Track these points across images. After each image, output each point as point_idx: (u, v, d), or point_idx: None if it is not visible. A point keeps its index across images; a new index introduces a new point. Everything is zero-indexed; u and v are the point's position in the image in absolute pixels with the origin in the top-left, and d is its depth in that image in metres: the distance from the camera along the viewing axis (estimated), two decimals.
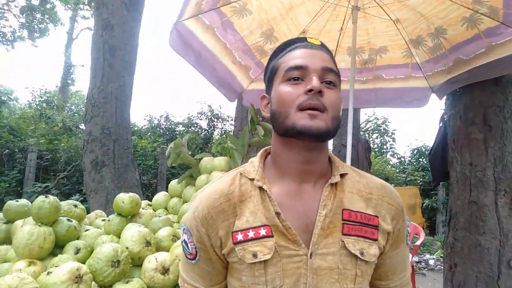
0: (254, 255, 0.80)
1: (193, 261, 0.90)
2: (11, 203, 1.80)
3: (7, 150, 6.74)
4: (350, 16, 2.38)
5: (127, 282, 1.40)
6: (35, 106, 11.52)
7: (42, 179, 6.90)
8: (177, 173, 7.70)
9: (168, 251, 1.58)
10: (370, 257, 0.83)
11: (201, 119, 10.69)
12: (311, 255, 0.80)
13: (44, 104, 11.11)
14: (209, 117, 10.66)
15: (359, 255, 0.81)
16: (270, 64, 0.95)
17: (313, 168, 0.86)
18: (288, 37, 2.56)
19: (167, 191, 2.19)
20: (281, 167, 0.88)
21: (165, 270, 1.45)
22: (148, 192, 7.37)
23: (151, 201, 2.21)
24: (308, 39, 0.91)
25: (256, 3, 2.28)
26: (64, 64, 17.51)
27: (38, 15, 15.09)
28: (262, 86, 2.82)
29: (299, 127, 0.79)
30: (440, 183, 4.57)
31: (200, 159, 2.00)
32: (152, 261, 1.46)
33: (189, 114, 11.03)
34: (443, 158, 2.65)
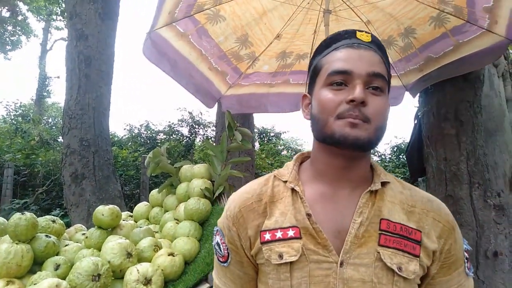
0: (280, 256, 0.77)
1: (225, 264, 0.88)
2: None
3: None
4: (323, 19, 2.42)
5: None
6: (10, 120, 11.23)
7: (20, 195, 6.71)
8: (159, 182, 7.62)
9: (150, 261, 1.57)
10: (409, 273, 0.74)
11: (182, 126, 10.63)
12: (341, 263, 0.75)
13: (20, 118, 10.85)
14: (190, 123, 10.61)
15: (396, 270, 0.74)
16: (313, 61, 0.88)
17: (352, 175, 0.82)
18: (263, 42, 2.58)
19: (149, 200, 2.17)
20: (318, 170, 0.84)
21: (147, 281, 1.44)
22: (131, 202, 7.27)
23: (133, 209, 2.18)
24: (358, 35, 0.82)
25: (230, 9, 2.30)
26: (39, 76, 17.16)
27: (10, 27, 14.76)
28: (240, 91, 2.83)
29: (338, 136, 0.74)
30: (418, 178, 4.67)
31: (180, 167, 1.99)
32: (133, 273, 1.44)
33: (169, 121, 10.94)
34: (419, 154, 2.71)
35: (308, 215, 0.78)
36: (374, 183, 0.81)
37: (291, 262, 0.76)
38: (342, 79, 0.77)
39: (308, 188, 0.83)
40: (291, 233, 0.78)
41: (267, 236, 0.79)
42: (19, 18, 14.71)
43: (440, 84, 2.39)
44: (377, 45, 0.82)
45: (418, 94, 2.67)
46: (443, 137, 2.36)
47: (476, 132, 2.29)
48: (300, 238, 0.77)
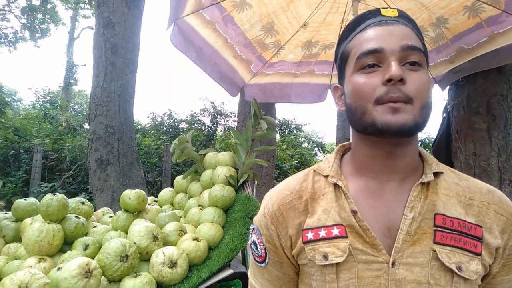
0: (325, 257, 0.71)
1: (262, 264, 0.83)
2: (19, 202, 1.82)
3: (12, 151, 6.79)
4: (351, 8, 2.37)
5: (135, 276, 1.42)
6: (38, 106, 11.58)
7: (48, 179, 6.95)
8: (181, 170, 7.73)
9: (175, 245, 1.60)
10: (471, 274, 0.67)
11: (204, 116, 10.72)
12: (393, 263, 0.68)
13: (48, 104, 11.17)
14: (212, 113, 10.68)
15: (456, 270, 0.67)
16: (339, 49, 0.81)
17: (399, 165, 0.74)
18: (289, 30, 2.56)
19: (173, 186, 2.21)
20: (361, 163, 0.77)
21: (172, 264, 1.47)
22: (153, 189, 7.41)
23: (157, 197, 2.23)
24: (383, 12, 0.75)
25: None
26: (67, 63, 17.57)
27: (39, 16, 15.14)
28: (263, 80, 2.82)
29: (380, 124, 0.67)
30: None
31: (205, 154, 2.01)
32: (159, 256, 1.47)
33: (192, 111, 11.05)
34: (447, 148, 2.64)
35: (354, 212, 0.72)
36: (426, 174, 0.74)
37: (337, 263, 0.70)
38: (374, 60, 0.70)
39: (352, 183, 0.77)
40: (336, 231, 0.72)
41: (310, 235, 0.74)
42: (48, 6, 15.05)
43: (472, 77, 2.31)
44: (406, 19, 0.75)
45: (448, 87, 2.59)
46: (473, 131, 2.29)
47: (509, 127, 2.21)
48: (346, 237, 0.71)
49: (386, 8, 0.76)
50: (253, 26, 2.42)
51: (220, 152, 2.04)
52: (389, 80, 0.67)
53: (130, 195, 1.77)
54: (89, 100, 4.91)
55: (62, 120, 9.04)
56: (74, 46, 19.20)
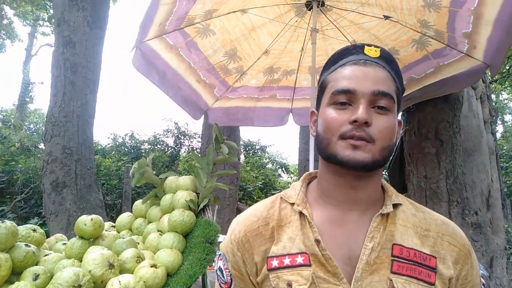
0: (289, 285, 0.72)
1: None
2: None
3: None
4: (310, 38, 2.49)
5: None
6: None
7: None
8: (142, 193, 7.53)
9: (132, 273, 1.56)
10: None
11: (167, 137, 10.58)
12: None
13: (0, 123, 10.61)
14: (176, 134, 10.57)
15: None
16: (321, 77, 0.85)
17: (360, 196, 0.77)
18: (251, 56, 2.63)
19: (132, 211, 2.15)
20: (325, 190, 0.80)
21: None
22: (112, 213, 7.15)
23: (115, 222, 2.16)
24: (366, 50, 0.78)
25: (219, 24, 2.34)
26: (22, 81, 16.86)
27: None
28: (227, 104, 2.86)
29: (340, 157, 0.72)
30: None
31: (165, 178, 1.99)
32: (115, 284, 1.43)
33: (155, 132, 10.88)
34: (400, 171, 2.78)
35: (317, 241, 0.74)
36: (386, 206, 0.77)
37: None
38: (346, 98, 0.74)
39: (316, 211, 0.80)
40: (300, 259, 0.74)
41: (275, 263, 0.75)
42: (5, 21, 14.50)
43: (422, 104, 2.47)
44: (386, 60, 0.79)
45: (401, 113, 2.75)
46: (423, 155, 2.43)
47: (455, 151, 2.36)
48: (309, 265, 0.73)
49: (371, 46, 0.80)
50: (216, 51, 2.47)
51: (183, 174, 2.03)
52: (355, 121, 0.72)
53: (86, 221, 1.71)
54: (45, 119, 4.73)
55: (15, 140, 8.60)
56: (32, 63, 18.52)
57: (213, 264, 0.92)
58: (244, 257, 0.80)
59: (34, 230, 1.73)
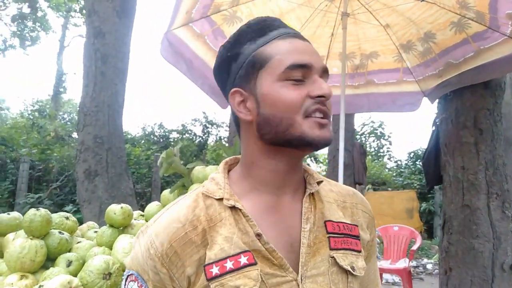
0: None
1: None
2: (2, 216, 1.77)
3: None
4: (340, 22, 2.40)
5: None
6: (27, 115, 11.46)
7: (34, 189, 6.84)
8: (171, 181, 7.67)
9: None
10: (360, 271, 0.73)
11: (195, 126, 10.70)
12: (301, 279, 0.68)
13: (36, 113, 11.06)
14: (203, 123, 10.66)
15: (350, 270, 0.71)
16: (240, 49, 0.73)
17: (293, 178, 0.75)
18: None
19: (160, 200, 2.17)
20: (260, 178, 0.73)
21: None
22: (142, 201, 7.33)
23: (144, 210, 2.19)
24: (287, 24, 0.75)
25: (246, 10, 2.29)
26: (56, 72, 17.44)
27: (30, 23, 15.07)
28: None
29: (310, 138, 0.67)
30: (435, 186, 4.58)
31: (192, 168, 1.99)
32: None
33: (183, 121, 11.02)
34: (436, 162, 2.66)
35: (258, 235, 0.68)
36: (311, 184, 0.76)
37: None
38: (301, 73, 0.68)
39: (248, 202, 0.72)
40: (244, 260, 0.66)
41: (215, 270, 0.65)
42: (39, 14, 14.99)
43: (460, 91, 2.34)
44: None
45: (437, 100, 2.62)
46: (461, 145, 2.31)
47: (496, 141, 2.23)
48: (255, 263, 0.66)
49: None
50: None
51: (211, 163, 2.02)
52: (320, 96, 0.68)
53: (116, 210, 1.74)
54: (78, 109, 4.86)
55: (51, 129, 8.93)
56: (64, 54, 19.13)
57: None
58: (172, 273, 0.67)
59: (67, 218, 1.78)
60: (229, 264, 0.66)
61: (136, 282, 0.71)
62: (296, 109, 0.67)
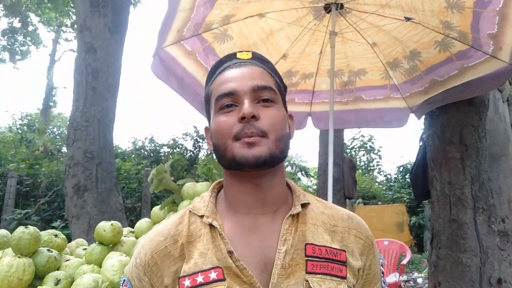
0: None
1: None
2: None
3: None
4: (329, 41, 2.45)
5: None
6: (15, 129, 11.32)
7: (22, 205, 6.71)
8: (162, 196, 7.60)
9: None
10: None
11: (186, 140, 10.66)
12: None
13: (25, 128, 10.94)
14: (194, 137, 10.64)
15: None
16: (204, 92, 0.85)
17: (268, 196, 0.77)
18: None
19: (151, 216, 2.16)
20: (233, 199, 0.78)
21: None
22: (132, 216, 7.24)
23: (134, 226, 2.17)
24: (238, 55, 0.82)
25: (237, 29, 2.34)
26: (46, 86, 17.35)
27: (20, 38, 15.02)
28: None
29: (239, 158, 0.71)
30: (423, 201, 4.64)
31: (183, 184, 1.99)
32: None
33: (174, 135, 10.99)
34: (423, 176, 2.70)
35: (230, 252, 0.71)
36: (294, 206, 0.78)
37: None
38: (230, 101, 0.75)
39: (227, 221, 0.77)
40: (213, 275, 0.70)
41: (187, 283, 0.70)
42: (30, 28, 14.97)
43: (445, 108, 2.40)
44: (259, 60, 0.82)
45: (424, 117, 2.68)
46: (447, 160, 2.35)
47: (481, 156, 2.28)
48: (223, 279, 0.70)
49: (242, 51, 0.83)
50: None
51: (202, 177, 2.03)
52: (243, 118, 0.72)
53: (106, 227, 1.73)
54: (68, 124, 4.84)
55: (39, 144, 8.84)
56: (55, 68, 19.04)
57: None
58: (152, 281, 0.74)
59: (56, 236, 1.76)
60: (199, 278, 0.70)
61: (126, 287, 0.79)
62: (227, 134, 0.73)
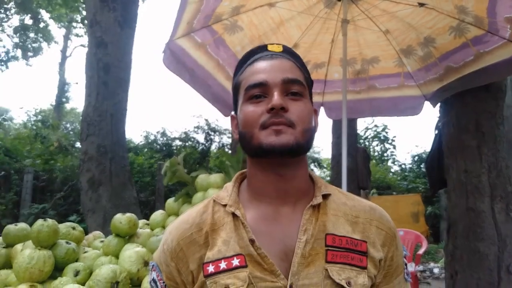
0: None
1: None
2: (10, 227, 1.81)
3: (3, 172, 6.71)
4: (340, 29, 2.42)
5: None
6: (30, 125, 11.51)
7: (38, 200, 6.85)
8: (175, 189, 7.66)
9: None
10: (358, 287, 0.73)
11: (197, 133, 10.69)
12: (290, 286, 0.71)
13: (39, 124, 11.10)
14: (206, 130, 10.67)
15: (345, 285, 0.72)
16: (233, 80, 0.88)
17: (290, 187, 0.79)
18: None
19: (165, 208, 2.18)
20: (256, 189, 0.81)
21: None
22: (146, 209, 7.32)
23: (149, 219, 2.20)
24: (269, 47, 0.85)
25: (247, 19, 2.31)
26: (59, 82, 17.57)
27: (32, 34, 15.18)
28: None
29: (265, 145, 0.74)
30: (438, 190, 4.57)
31: (196, 176, 2.01)
32: None
33: (185, 128, 11.03)
34: (439, 165, 2.66)
35: (252, 241, 0.74)
36: (315, 197, 0.80)
37: None
38: (260, 91, 0.78)
39: (250, 210, 0.79)
40: (236, 262, 0.73)
41: (211, 269, 0.74)
42: (41, 25, 15.11)
43: (461, 95, 2.35)
44: (289, 53, 0.85)
45: (439, 104, 2.63)
46: (463, 148, 2.31)
47: (498, 143, 2.23)
48: (246, 266, 0.73)
49: (273, 44, 0.86)
50: (244, 48, 2.44)
51: (214, 170, 2.04)
52: (272, 109, 0.74)
53: (121, 219, 1.76)
54: (81, 119, 4.89)
55: (54, 139, 8.97)
56: (67, 64, 19.25)
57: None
58: (179, 267, 0.78)
59: (74, 228, 1.80)
60: (222, 265, 0.74)
61: (155, 272, 0.82)
62: (254, 123, 0.76)
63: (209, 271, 0.74)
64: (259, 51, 0.85)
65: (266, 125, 0.74)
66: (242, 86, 0.81)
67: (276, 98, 0.75)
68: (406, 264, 0.87)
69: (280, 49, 0.84)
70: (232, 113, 0.88)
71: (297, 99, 0.78)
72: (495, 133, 2.25)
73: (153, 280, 0.83)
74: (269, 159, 0.76)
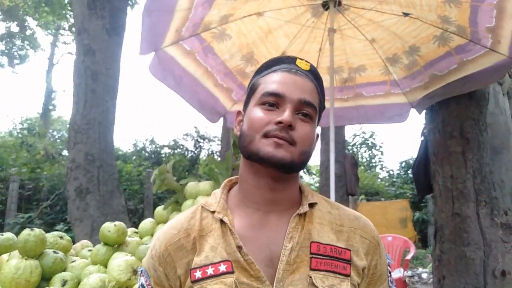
0: None
1: None
2: None
3: None
4: (327, 38, 2.46)
5: None
6: (16, 134, 11.33)
7: (24, 209, 6.72)
8: (164, 197, 7.61)
9: None
10: None
11: (186, 141, 10.67)
12: None
13: (25, 132, 10.94)
14: (195, 138, 10.65)
15: None
16: (253, 79, 0.89)
17: (279, 198, 0.81)
18: (268, 59, 2.62)
19: (154, 217, 2.17)
20: (246, 192, 0.83)
21: None
22: (135, 218, 7.24)
23: (137, 227, 2.18)
24: (297, 62, 0.86)
25: (236, 28, 2.34)
26: (45, 89, 17.34)
27: (18, 42, 15.02)
28: None
29: (262, 154, 0.76)
30: (425, 196, 4.64)
31: (185, 184, 2.00)
32: None
33: (174, 136, 10.99)
34: (425, 171, 2.70)
35: (239, 247, 0.76)
36: (302, 206, 0.82)
37: None
38: (274, 100, 0.79)
39: (237, 217, 0.81)
40: (223, 268, 0.75)
41: (198, 274, 0.75)
42: (28, 32, 14.96)
43: (446, 102, 2.41)
44: (314, 75, 0.86)
45: (424, 111, 2.68)
46: (449, 154, 2.36)
47: (482, 150, 2.28)
48: (232, 272, 0.74)
49: (302, 60, 0.87)
50: (233, 56, 2.47)
51: (203, 177, 2.04)
52: (280, 122, 0.76)
53: (110, 228, 1.74)
54: (68, 127, 4.84)
55: (40, 148, 8.84)
56: (54, 72, 19.03)
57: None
58: (166, 272, 0.79)
59: (61, 237, 1.77)
60: (210, 270, 0.75)
61: (144, 277, 0.83)
62: (259, 129, 0.78)
63: (196, 277, 0.75)
64: (287, 61, 0.86)
65: (269, 135, 0.76)
66: (260, 90, 0.83)
67: (287, 114, 0.76)
68: (390, 272, 0.89)
69: (308, 67, 0.85)
70: (240, 109, 0.89)
71: (305, 121, 0.80)
72: (479, 139, 2.30)
73: (142, 285, 0.83)
74: (262, 167, 0.78)
